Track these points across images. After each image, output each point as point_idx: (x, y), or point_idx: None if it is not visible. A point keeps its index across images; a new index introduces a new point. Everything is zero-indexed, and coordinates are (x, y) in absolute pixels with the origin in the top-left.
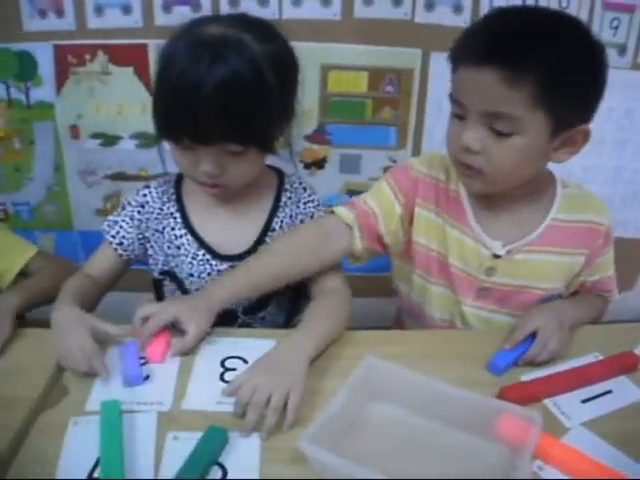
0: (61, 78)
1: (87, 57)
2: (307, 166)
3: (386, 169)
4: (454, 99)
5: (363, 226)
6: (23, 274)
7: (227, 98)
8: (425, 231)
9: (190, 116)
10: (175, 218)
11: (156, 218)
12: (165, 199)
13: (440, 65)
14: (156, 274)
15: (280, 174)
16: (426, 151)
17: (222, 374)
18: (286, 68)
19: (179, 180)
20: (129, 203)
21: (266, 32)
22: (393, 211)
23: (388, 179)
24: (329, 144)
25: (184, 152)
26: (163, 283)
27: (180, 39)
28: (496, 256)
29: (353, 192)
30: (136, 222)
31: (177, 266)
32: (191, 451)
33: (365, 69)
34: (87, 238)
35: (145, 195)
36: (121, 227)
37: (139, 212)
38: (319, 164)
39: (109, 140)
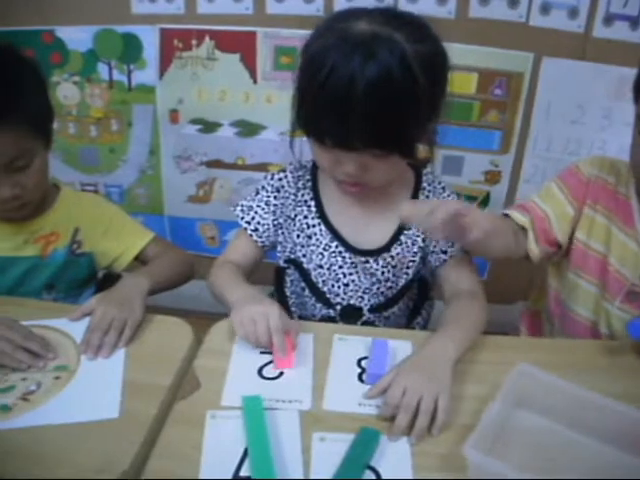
0: (165, 62)
1: (193, 42)
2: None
3: (487, 173)
4: None
5: (538, 229)
6: (137, 259)
7: (378, 101)
8: (587, 230)
9: (338, 120)
10: (309, 207)
11: (290, 204)
12: (300, 185)
13: (551, 70)
14: (281, 262)
15: (417, 172)
16: (529, 157)
17: (360, 375)
18: (437, 69)
19: (315, 167)
20: (263, 188)
21: (418, 30)
22: (565, 213)
23: (559, 183)
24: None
25: (326, 151)
26: (287, 272)
27: (327, 35)
28: None
29: None
30: (272, 207)
31: (305, 256)
32: (346, 453)
33: (475, 70)
34: (176, 224)
35: (281, 179)
36: (256, 212)
37: (275, 197)
38: (422, 163)
39: (208, 126)
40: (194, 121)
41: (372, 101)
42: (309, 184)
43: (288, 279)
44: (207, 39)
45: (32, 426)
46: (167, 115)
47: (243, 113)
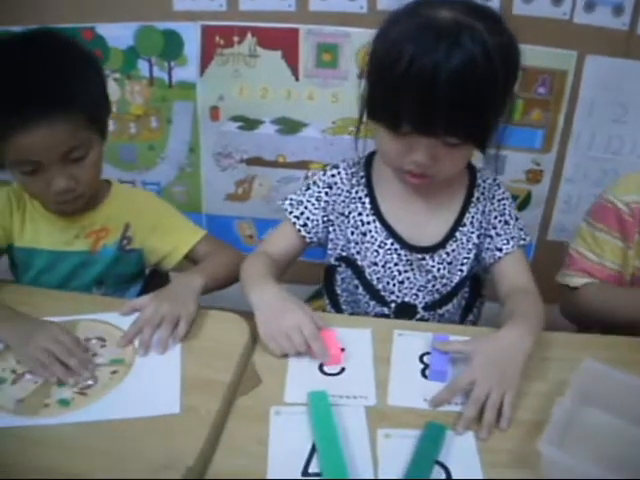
0: (206, 58)
1: (235, 39)
2: None
3: (529, 172)
4: None
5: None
6: (187, 257)
7: (462, 88)
8: None
9: (420, 105)
10: (364, 203)
11: (343, 201)
12: (354, 182)
13: (594, 68)
14: (332, 260)
15: (472, 169)
16: (571, 156)
17: (423, 370)
18: (513, 64)
19: (369, 164)
20: (314, 183)
21: (496, 23)
22: (621, 253)
23: (599, 226)
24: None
25: (397, 139)
26: (337, 270)
27: (407, 22)
28: None
29: None
30: (323, 203)
31: (359, 253)
32: (414, 450)
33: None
34: (214, 222)
35: (334, 175)
36: (306, 208)
37: (326, 193)
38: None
39: (249, 124)
40: (235, 118)
41: (456, 87)
42: (363, 181)
43: (339, 277)
44: (249, 36)
45: (93, 421)
46: (207, 112)
47: (284, 110)
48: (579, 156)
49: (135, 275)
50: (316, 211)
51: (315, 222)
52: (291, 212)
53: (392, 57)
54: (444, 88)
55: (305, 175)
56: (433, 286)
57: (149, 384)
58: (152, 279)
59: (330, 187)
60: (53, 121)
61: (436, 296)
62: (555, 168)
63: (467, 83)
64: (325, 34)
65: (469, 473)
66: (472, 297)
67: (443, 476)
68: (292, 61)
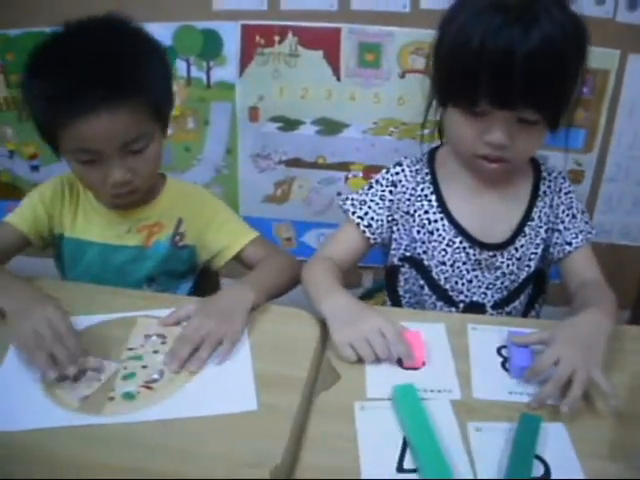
0: (246, 58)
1: (276, 38)
2: None
3: (570, 172)
4: None
5: None
6: (237, 258)
7: (539, 60)
8: None
9: (497, 76)
10: (430, 201)
11: (408, 199)
12: (419, 179)
13: (637, 67)
14: (395, 260)
15: (536, 162)
16: (612, 156)
17: (502, 363)
18: (583, 39)
19: (432, 159)
20: (377, 182)
21: (562, 1)
22: None
23: None
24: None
25: (472, 120)
26: (401, 270)
27: (475, 2)
28: None
29: None
30: (387, 202)
31: (425, 252)
32: (513, 444)
33: None
34: (251, 224)
35: (397, 173)
36: (370, 207)
37: (391, 192)
38: None
39: (289, 124)
40: (274, 119)
41: (534, 59)
42: (428, 178)
43: (402, 278)
44: (290, 35)
45: (167, 419)
46: (246, 113)
47: (325, 111)
48: (620, 156)
49: (186, 272)
50: (380, 210)
51: (380, 222)
52: (354, 212)
53: (466, 35)
54: (522, 60)
55: (345, 176)
56: (502, 283)
57: (221, 381)
58: (202, 277)
59: (394, 185)
60: (115, 110)
61: (504, 293)
62: (596, 168)
63: (544, 55)
64: (367, 33)
65: (566, 465)
66: (535, 293)
67: (542, 470)
68: (333, 61)
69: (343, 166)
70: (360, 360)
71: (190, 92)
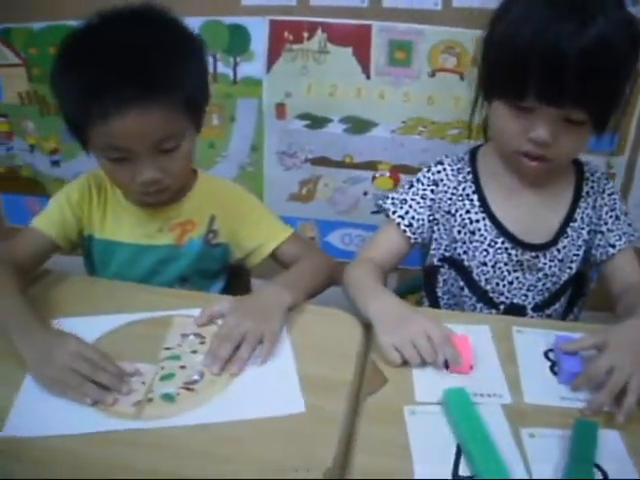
0: (274, 54)
1: (305, 34)
2: None
3: None
4: None
5: None
6: (271, 255)
7: (593, 59)
8: None
9: (549, 73)
10: (472, 200)
11: (450, 198)
12: (461, 178)
13: None
14: (435, 260)
15: (578, 162)
16: None
17: (551, 367)
18: (638, 42)
19: (473, 158)
20: (418, 180)
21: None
22: None
23: None
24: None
25: (517, 114)
26: (440, 271)
27: None
28: None
29: None
30: (428, 202)
31: (466, 252)
32: (570, 451)
33: None
34: None
35: (439, 172)
36: (410, 206)
37: (432, 191)
38: None
39: (317, 122)
40: (301, 116)
41: (588, 58)
42: (470, 177)
43: (441, 278)
44: (319, 32)
45: (210, 423)
46: (273, 110)
47: (354, 109)
48: None
49: (218, 271)
50: (421, 210)
51: (421, 221)
52: (394, 212)
53: (518, 28)
54: (574, 57)
55: (372, 176)
56: (543, 285)
57: (265, 382)
58: (234, 277)
59: (436, 184)
60: (148, 106)
61: (545, 295)
62: (627, 171)
63: (598, 54)
64: (398, 31)
65: (624, 473)
66: (575, 296)
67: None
68: (363, 58)
69: (370, 165)
70: (406, 363)
71: (216, 88)
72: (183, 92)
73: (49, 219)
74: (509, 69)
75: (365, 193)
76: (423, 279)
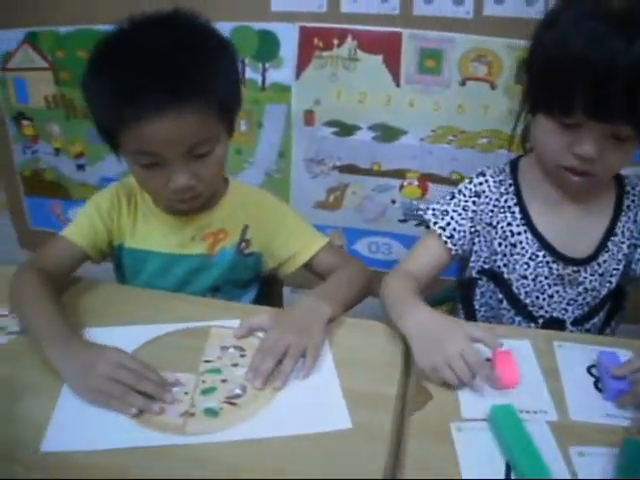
0: (303, 61)
1: (335, 41)
2: None
3: None
4: None
5: None
6: (306, 265)
7: None
8: None
9: (598, 87)
10: (513, 213)
11: (491, 210)
12: (502, 190)
13: None
14: (473, 272)
15: (619, 175)
16: None
17: (595, 383)
18: None
19: (514, 170)
20: (460, 191)
21: None
22: None
23: None
24: None
25: (562, 130)
26: (478, 283)
27: (579, 5)
28: None
29: None
30: (470, 213)
31: (506, 265)
32: (618, 469)
33: None
34: None
35: (481, 183)
36: (452, 218)
37: (474, 202)
38: None
39: (345, 129)
40: (330, 123)
41: (637, 76)
42: (511, 188)
43: (479, 291)
44: (349, 39)
45: (255, 438)
46: (301, 116)
47: (383, 117)
48: None
49: (250, 281)
50: (463, 221)
51: (462, 233)
52: (436, 223)
53: (565, 42)
54: (624, 73)
55: (400, 184)
56: (583, 299)
57: (309, 397)
58: (266, 286)
59: (478, 196)
60: (181, 111)
61: (585, 310)
62: None
63: None
64: (429, 39)
65: None
66: (613, 310)
67: None
68: (393, 66)
69: (399, 173)
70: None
71: (244, 94)
72: (215, 95)
73: (79, 229)
74: (556, 84)
75: (393, 201)
76: (458, 291)
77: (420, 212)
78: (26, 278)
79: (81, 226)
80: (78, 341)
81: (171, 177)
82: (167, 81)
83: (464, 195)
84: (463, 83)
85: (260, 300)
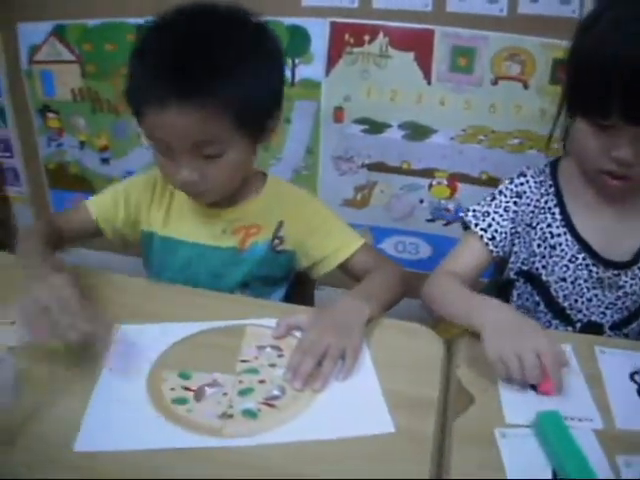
0: (334, 57)
1: (366, 37)
2: None
3: None
4: None
5: None
6: (342, 265)
7: None
8: None
9: (633, 92)
10: (553, 214)
11: (532, 211)
12: (543, 191)
13: None
14: (511, 274)
15: None
16: None
17: (638, 390)
18: None
19: (554, 171)
20: (501, 192)
21: None
22: None
23: None
24: None
25: (600, 133)
26: (515, 284)
27: (619, 6)
28: None
29: None
30: (511, 214)
31: (544, 267)
32: None
33: None
34: None
35: (522, 184)
36: (493, 219)
37: (515, 203)
38: None
39: (375, 127)
40: (359, 120)
41: None
42: (552, 190)
43: (515, 293)
44: (381, 35)
45: (295, 441)
46: (331, 113)
47: (413, 115)
48: None
49: (281, 279)
50: (504, 222)
51: (503, 234)
52: (477, 224)
53: (603, 44)
54: None
55: (429, 183)
56: (623, 303)
57: (349, 400)
58: (297, 285)
59: (519, 196)
60: (182, 105)
61: (624, 314)
62: None
63: None
64: (462, 37)
65: None
66: None
67: None
68: (425, 64)
69: (427, 173)
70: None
71: None
72: (228, 99)
73: (101, 201)
74: (593, 88)
75: (421, 201)
76: (493, 292)
77: (461, 214)
78: (35, 224)
79: (103, 200)
80: (49, 267)
81: (178, 170)
82: (171, 74)
83: (505, 196)
84: (495, 82)
85: (289, 299)
